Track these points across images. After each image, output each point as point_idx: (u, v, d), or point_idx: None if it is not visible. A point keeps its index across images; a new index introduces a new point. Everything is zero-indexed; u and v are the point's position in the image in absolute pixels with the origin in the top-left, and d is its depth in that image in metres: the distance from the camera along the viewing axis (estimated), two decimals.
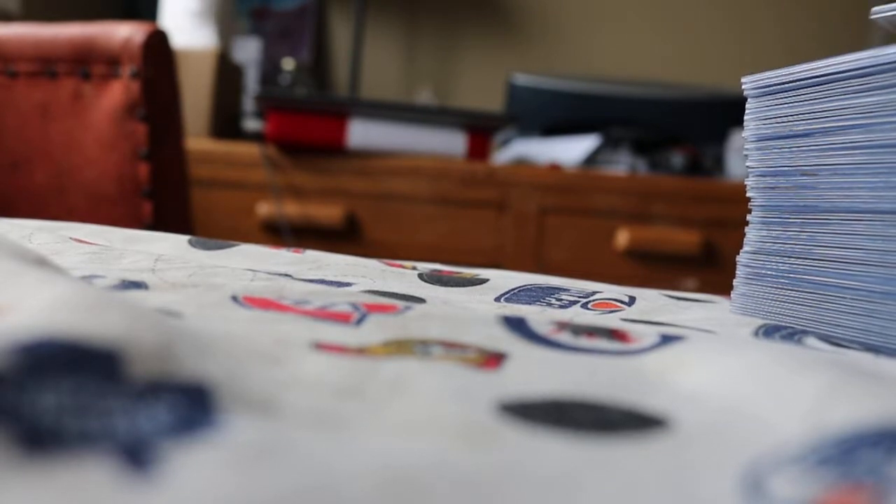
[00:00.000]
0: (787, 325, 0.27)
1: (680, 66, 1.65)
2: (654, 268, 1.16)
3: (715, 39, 1.68)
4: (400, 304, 0.23)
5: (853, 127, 0.26)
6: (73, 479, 0.11)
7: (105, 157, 0.65)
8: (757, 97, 0.30)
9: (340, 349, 0.18)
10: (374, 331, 0.20)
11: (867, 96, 0.25)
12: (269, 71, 1.42)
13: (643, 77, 1.52)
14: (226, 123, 1.11)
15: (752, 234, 0.31)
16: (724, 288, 0.33)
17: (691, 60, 1.67)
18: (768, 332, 0.26)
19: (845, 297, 0.26)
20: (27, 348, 0.13)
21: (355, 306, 0.22)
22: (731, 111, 1.27)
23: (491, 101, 1.52)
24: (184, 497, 0.11)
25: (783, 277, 0.29)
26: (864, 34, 1.68)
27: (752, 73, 0.31)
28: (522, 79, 1.32)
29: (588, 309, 0.30)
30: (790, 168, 0.28)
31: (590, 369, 0.18)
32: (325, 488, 0.11)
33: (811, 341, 0.24)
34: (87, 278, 0.24)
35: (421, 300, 0.24)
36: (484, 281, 0.33)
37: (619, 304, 0.31)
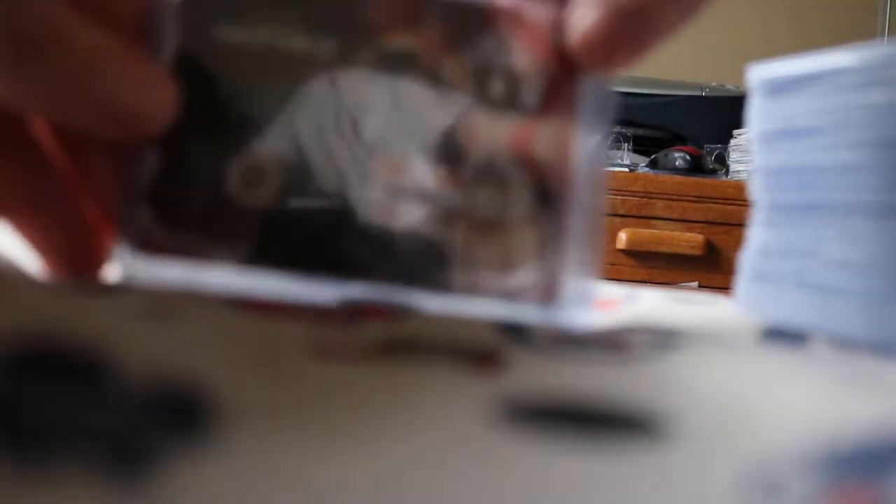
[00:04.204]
0: (791, 326, 0.27)
1: (681, 64, 1.65)
2: (655, 267, 1.16)
3: (717, 37, 1.68)
4: (398, 305, 0.23)
5: (859, 123, 0.26)
6: (63, 488, 0.11)
7: None
8: (761, 91, 0.29)
9: (337, 351, 0.18)
10: (372, 333, 0.19)
11: (875, 92, 0.25)
12: None
13: (644, 75, 1.52)
14: None
15: (755, 234, 0.31)
16: (725, 289, 0.33)
17: (693, 58, 1.67)
18: (771, 334, 0.26)
19: (851, 299, 0.26)
20: (15, 351, 0.13)
21: (353, 308, 0.22)
22: (733, 110, 1.27)
23: None
24: None
25: (787, 278, 0.29)
26: (871, 30, 1.68)
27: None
28: None
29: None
30: (795, 166, 0.28)
31: (588, 372, 0.18)
32: (322, 497, 0.11)
33: (815, 344, 0.24)
34: None
35: (419, 301, 0.24)
36: None
37: (619, 304, 0.31)
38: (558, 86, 0.23)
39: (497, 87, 0.22)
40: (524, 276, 0.23)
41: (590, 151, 0.23)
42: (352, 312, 0.21)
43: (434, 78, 0.23)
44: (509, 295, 0.23)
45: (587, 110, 0.23)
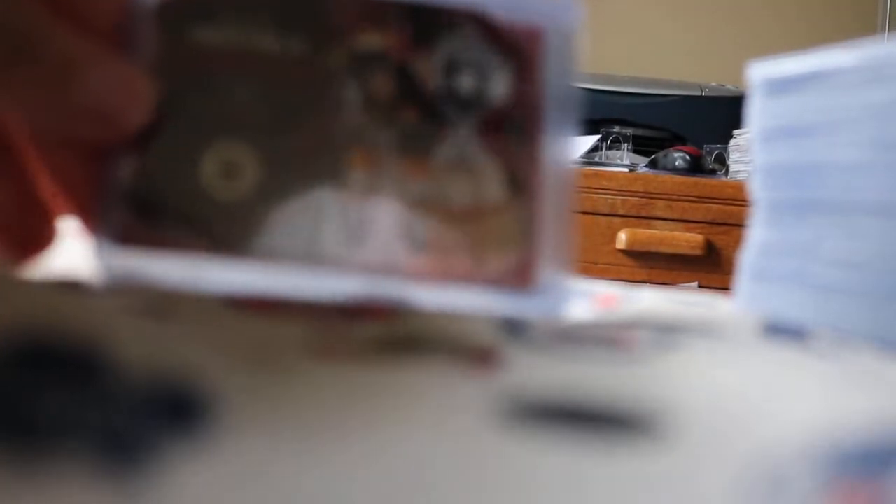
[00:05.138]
0: (792, 323, 0.27)
1: (681, 64, 1.65)
2: (655, 268, 1.16)
3: (717, 37, 1.68)
4: (395, 303, 0.23)
5: (860, 122, 0.26)
6: (61, 484, 0.11)
7: None
8: (763, 89, 0.29)
9: (334, 350, 0.18)
10: (369, 331, 0.19)
11: (876, 91, 0.25)
12: None
13: (644, 75, 1.52)
14: None
15: (755, 233, 0.31)
16: (725, 289, 0.33)
17: (693, 58, 1.67)
18: (772, 330, 0.26)
19: (852, 298, 0.26)
20: (11, 347, 0.13)
21: (351, 307, 0.22)
22: (733, 110, 1.28)
23: None
24: (175, 501, 0.11)
25: (788, 277, 0.29)
26: (871, 28, 1.68)
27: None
28: None
29: (587, 306, 0.30)
30: (796, 164, 0.28)
31: (588, 371, 0.18)
32: (318, 495, 0.11)
33: (816, 341, 0.24)
34: None
35: (418, 300, 0.24)
36: None
37: (618, 301, 0.31)
38: (523, 79, 0.24)
39: (465, 82, 0.24)
40: (499, 263, 0.23)
41: (558, 140, 0.24)
42: (349, 311, 0.21)
43: (403, 75, 0.24)
44: (484, 282, 0.23)
45: (552, 101, 0.24)
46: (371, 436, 0.13)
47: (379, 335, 0.19)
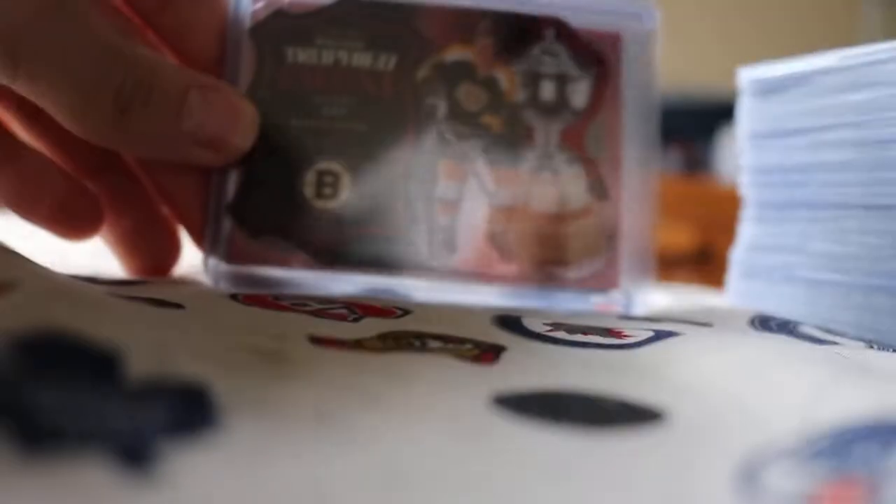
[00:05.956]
0: (781, 316, 0.27)
1: (676, 64, 1.65)
2: None
3: (711, 38, 1.68)
4: (398, 300, 0.23)
5: (843, 124, 0.26)
6: (72, 481, 0.10)
7: None
8: (751, 92, 0.30)
9: (338, 344, 0.18)
10: (372, 327, 0.20)
11: (856, 93, 0.26)
12: None
13: None
14: None
15: (745, 231, 0.31)
16: (718, 286, 0.34)
17: (687, 59, 1.67)
18: (762, 322, 0.26)
19: (838, 292, 0.26)
20: (24, 344, 0.13)
21: (352, 308, 0.22)
22: (727, 110, 1.28)
23: None
24: (184, 498, 0.11)
25: (777, 273, 0.29)
26: (856, 33, 1.68)
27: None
28: None
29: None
30: (783, 164, 0.29)
31: (584, 363, 0.18)
32: (324, 487, 0.11)
33: (805, 331, 0.25)
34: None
35: (419, 299, 0.24)
36: None
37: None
38: (604, 86, 0.24)
39: (547, 91, 0.24)
40: (584, 266, 0.24)
41: (639, 145, 0.24)
42: (353, 306, 0.22)
43: (489, 85, 0.24)
44: (570, 284, 0.24)
45: (633, 107, 0.24)
46: (374, 431, 0.13)
47: (382, 331, 0.19)
